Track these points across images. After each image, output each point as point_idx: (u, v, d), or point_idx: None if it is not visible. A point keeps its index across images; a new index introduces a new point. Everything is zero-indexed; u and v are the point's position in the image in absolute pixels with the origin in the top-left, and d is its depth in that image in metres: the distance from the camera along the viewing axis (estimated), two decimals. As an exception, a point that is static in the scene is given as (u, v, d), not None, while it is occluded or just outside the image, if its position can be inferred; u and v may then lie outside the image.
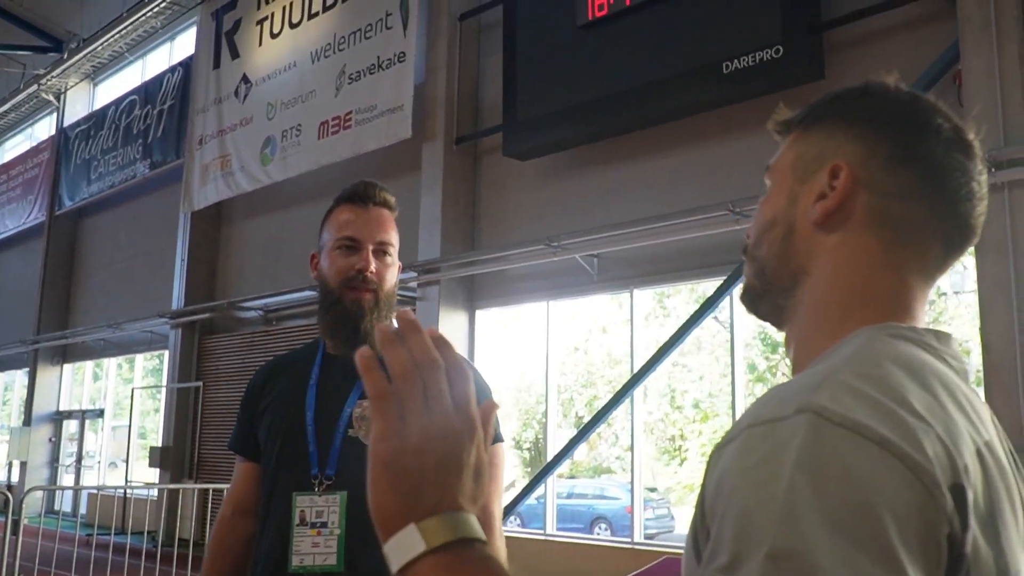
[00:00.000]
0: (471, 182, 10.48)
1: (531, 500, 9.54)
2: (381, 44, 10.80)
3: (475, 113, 10.59)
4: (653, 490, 11.17)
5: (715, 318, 8.98)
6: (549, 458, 9.07)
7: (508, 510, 9.22)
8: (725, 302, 7.93)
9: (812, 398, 0.71)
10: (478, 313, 10.38)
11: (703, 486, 0.76)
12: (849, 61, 7.45)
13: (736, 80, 7.51)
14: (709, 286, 8.32)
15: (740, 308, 0.87)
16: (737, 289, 1.05)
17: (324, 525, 1.76)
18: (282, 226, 12.88)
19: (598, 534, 10.86)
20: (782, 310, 0.95)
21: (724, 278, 7.71)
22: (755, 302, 0.99)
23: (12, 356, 18.65)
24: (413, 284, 10.34)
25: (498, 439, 1.89)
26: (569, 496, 11.29)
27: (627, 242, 8.62)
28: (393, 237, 1.96)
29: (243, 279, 13.47)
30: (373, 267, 1.88)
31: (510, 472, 10.78)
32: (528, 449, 10.90)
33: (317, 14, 11.90)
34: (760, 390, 9.53)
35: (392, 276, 1.94)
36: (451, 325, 10.10)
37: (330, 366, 1.93)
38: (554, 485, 9.52)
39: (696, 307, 8.13)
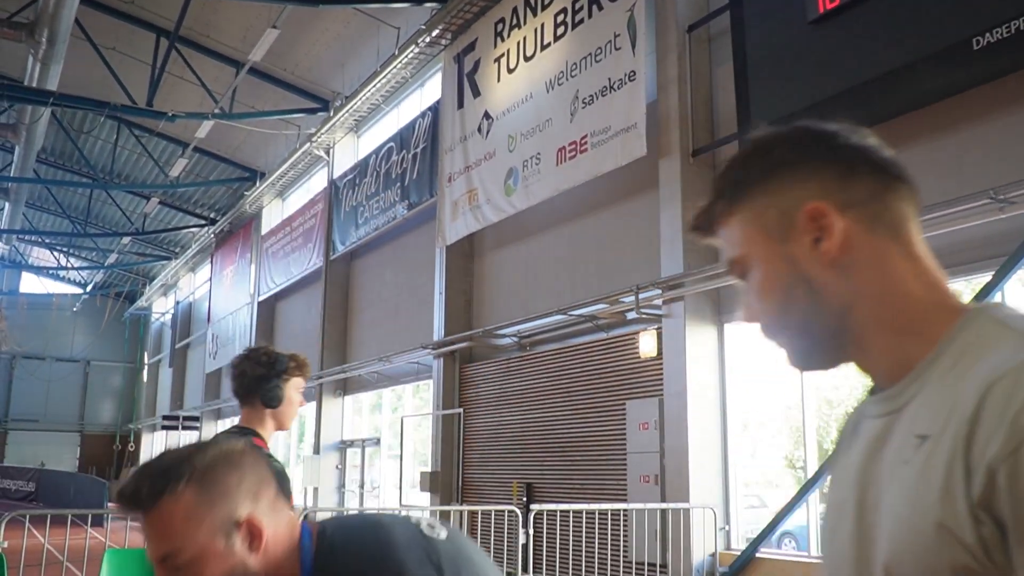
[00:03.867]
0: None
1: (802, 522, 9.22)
2: (611, 65, 10.88)
3: (710, 124, 10.38)
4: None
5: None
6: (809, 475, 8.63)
7: (768, 532, 8.87)
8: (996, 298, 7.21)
9: None
10: (727, 327, 10.11)
11: (979, 418, 0.79)
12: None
13: (988, 56, 6.85)
14: (980, 282, 7.59)
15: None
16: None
17: None
18: (529, 253, 13.24)
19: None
20: (842, 348, 0.98)
21: (992, 273, 7.03)
22: (813, 359, 1.01)
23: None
24: (657, 301, 10.26)
25: None
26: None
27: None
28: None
29: (497, 307, 13.95)
30: None
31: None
32: (800, 468, 10.35)
33: (549, 45, 12.20)
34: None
35: None
36: (698, 341, 9.91)
37: None
38: (816, 505, 9.03)
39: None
